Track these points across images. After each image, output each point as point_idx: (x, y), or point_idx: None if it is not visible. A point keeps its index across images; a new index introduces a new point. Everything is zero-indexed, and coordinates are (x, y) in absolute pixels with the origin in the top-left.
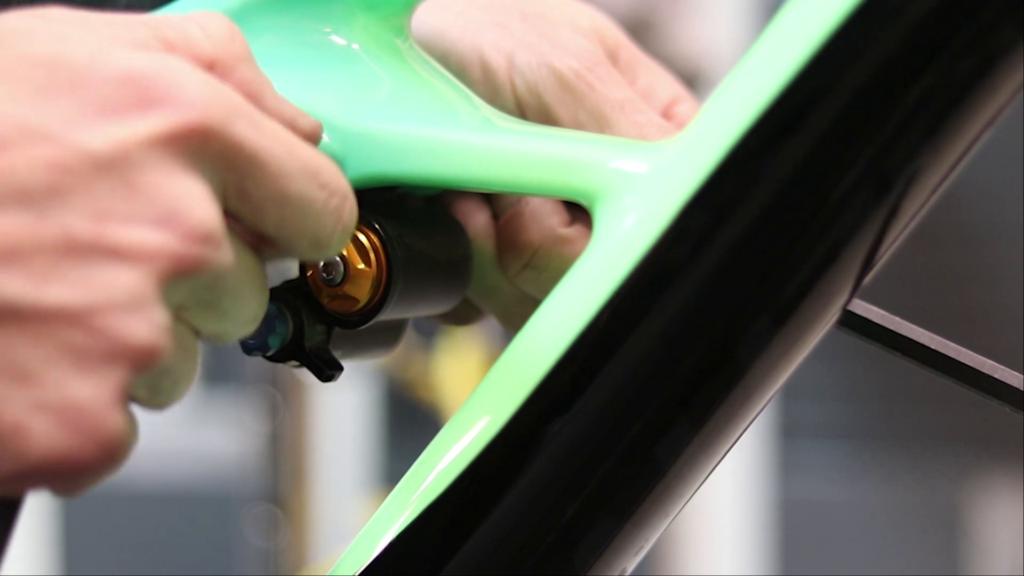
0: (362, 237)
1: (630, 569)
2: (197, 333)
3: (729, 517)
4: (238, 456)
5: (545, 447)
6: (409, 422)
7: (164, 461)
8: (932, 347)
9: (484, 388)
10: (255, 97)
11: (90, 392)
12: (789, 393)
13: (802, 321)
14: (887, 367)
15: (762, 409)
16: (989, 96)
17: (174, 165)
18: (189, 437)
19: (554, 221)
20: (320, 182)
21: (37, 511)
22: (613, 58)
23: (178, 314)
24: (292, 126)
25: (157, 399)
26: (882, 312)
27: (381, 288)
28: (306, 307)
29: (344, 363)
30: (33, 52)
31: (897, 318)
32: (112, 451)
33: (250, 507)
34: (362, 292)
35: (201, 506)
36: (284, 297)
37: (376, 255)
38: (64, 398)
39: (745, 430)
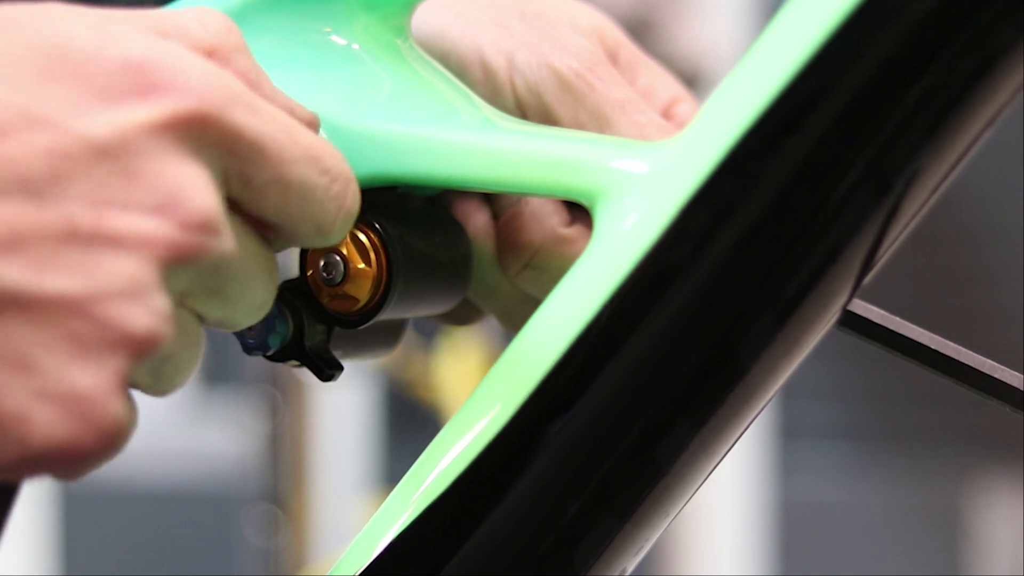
0: (362, 237)
1: (630, 569)
2: (202, 319)
3: (729, 517)
4: (238, 456)
5: (545, 447)
6: (409, 422)
7: (164, 461)
8: (932, 347)
9: (484, 388)
10: (253, 84)
11: (91, 380)
12: (789, 393)
13: (802, 321)
14: (887, 367)
15: (763, 409)
16: (989, 96)
17: (174, 152)
18: (189, 437)
19: (554, 221)
20: (322, 167)
21: (37, 511)
22: (613, 58)
23: (181, 300)
24: (291, 114)
25: (159, 385)
26: (882, 312)
27: (381, 288)
28: (306, 307)
29: (344, 363)
30: (33, 38)
31: (897, 318)
32: (112, 438)
33: (250, 507)
34: (362, 292)
35: (201, 506)
36: (284, 297)
37: (376, 255)
38: (65, 386)
39: (746, 430)
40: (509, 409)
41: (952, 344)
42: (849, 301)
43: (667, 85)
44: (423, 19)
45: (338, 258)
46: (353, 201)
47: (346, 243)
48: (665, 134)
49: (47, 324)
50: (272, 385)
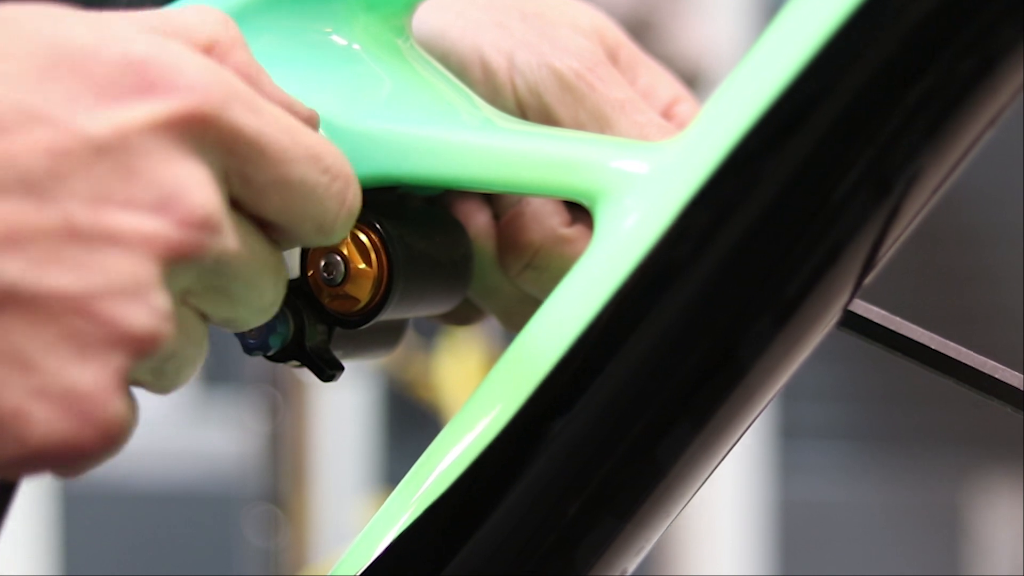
0: (363, 237)
1: (631, 569)
2: (206, 318)
3: (729, 518)
4: (238, 456)
5: (546, 447)
6: (409, 422)
7: (164, 461)
8: (933, 347)
9: (485, 388)
10: (252, 80)
11: (90, 378)
12: (789, 394)
13: (803, 321)
14: (887, 368)
15: (763, 409)
16: (990, 97)
17: (173, 150)
18: (189, 437)
19: (555, 221)
20: (322, 167)
21: (37, 511)
22: (613, 58)
23: (184, 299)
24: (290, 111)
25: (161, 383)
26: (883, 312)
27: (382, 288)
28: (307, 307)
29: (345, 363)
30: (33, 37)
31: (898, 318)
32: (112, 436)
33: (250, 507)
34: (363, 292)
35: (201, 506)
36: (285, 297)
37: (377, 255)
38: (64, 384)
39: (747, 430)
40: (510, 409)
41: (952, 344)
42: (850, 301)
43: (667, 85)
44: (423, 19)
45: (339, 258)
46: (354, 200)
47: (347, 243)
48: (665, 134)
49: (47, 322)
50: (272, 385)
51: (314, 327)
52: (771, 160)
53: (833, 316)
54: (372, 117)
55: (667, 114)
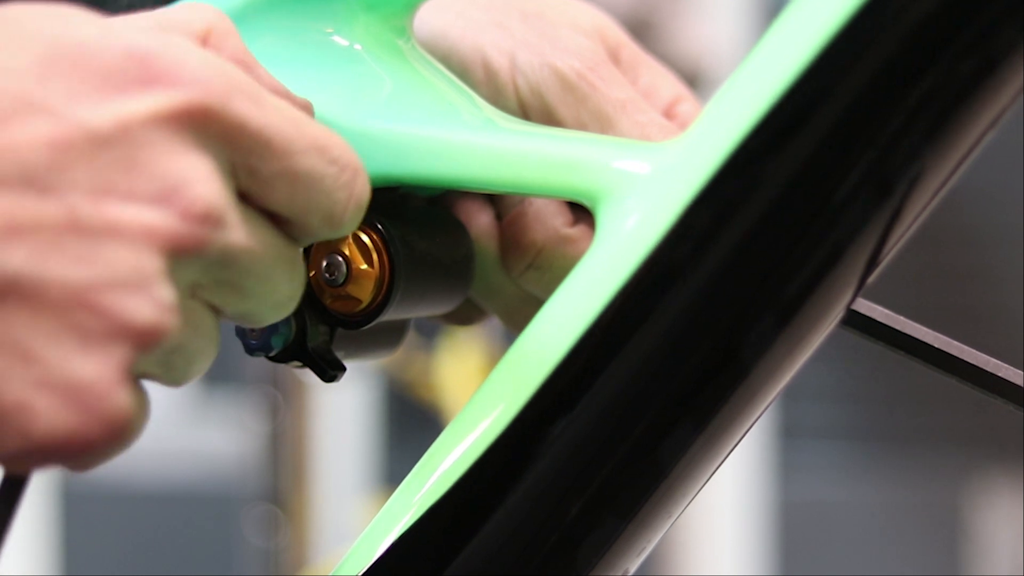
0: (364, 237)
1: (632, 569)
2: (218, 312)
3: (730, 518)
4: (238, 456)
5: (548, 448)
6: (410, 422)
7: (164, 461)
8: (936, 345)
9: (487, 389)
10: (249, 69)
11: (93, 370)
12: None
13: (806, 321)
14: (887, 368)
15: (765, 409)
16: (991, 98)
17: (176, 143)
18: (189, 437)
19: (558, 221)
20: (329, 157)
21: (37, 511)
22: (615, 57)
23: (193, 292)
24: (287, 100)
25: (171, 375)
26: (886, 311)
27: (384, 289)
28: (309, 307)
29: (346, 363)
30: (35, 34)
31: (901, 317)
32: (118, 429)
33: (250, 507)
34: (365, 293)
35: (201, 506)
36: None
37: (379, 255)
38: (67, 376)
39: (748, 430)
40: (512, 409)
41: (955, 342)
42: (853, 301)
43: (669, 84)
44: (424, 19)
45: (340, 259)
46: (363, 190)
47: (348, 244)
48: (667, 134)
49: (49, 313)
50: (272, 385)
51: (316, 328)
52: (773, 160)
53: (835, 316)
54: (374, 117)
55: (669, 114)
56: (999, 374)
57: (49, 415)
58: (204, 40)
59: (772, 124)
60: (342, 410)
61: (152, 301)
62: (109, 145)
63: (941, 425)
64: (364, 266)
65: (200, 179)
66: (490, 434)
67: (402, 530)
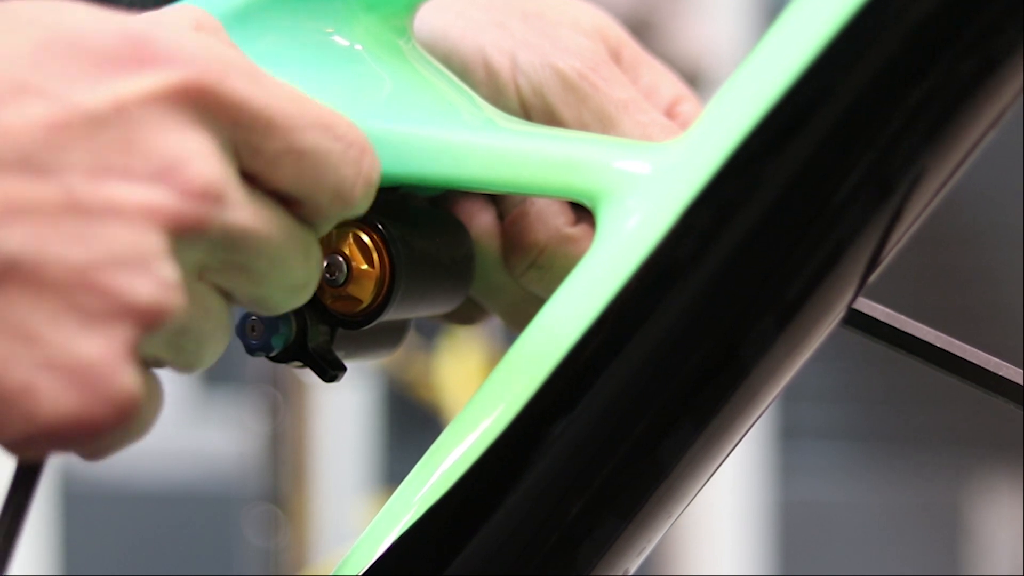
0: (365, 237)
1: (632, 569)
2: (229, 296)
3: (729, 518)
4: (238, 456)
5: (549, 447)
6: (410, 422)
7: (164, 461)
8: (937, 344)
9: (487, 388)
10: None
11: (96, 349)
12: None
13: (807, 320)
14: (887, 368)
15: (766, 409)
16: (992, 98)
17: (173, 121)
18: (189, 437)
19: (560, 221)
20: (335, 134)
21: (37, 511)
22: (616, 57)
23: (201, 274)
24: None
25: (182, 360)
26: (887, 310)
27: (384, 289)
28: (309, 307)
29: (347, 363)
30: (32, 21)
31: (902, 316)
32: (125, 410)
33: (250, 507)
34: (365, 293)
35: (201, 506)
36: None
37: (379, 255)
38: (70, 356)
39: (749, 430)
40: (512, 409)
41: (956, 341)
42: (854, 300)
43: (670, 84)
44: (425, 20)
45: (341, 259)
46: (371, 166)
47: (349, 244)
48: (668, 134)
49: (50, 294)
50: (273, 385)
51: (316, 328)
52: (774, 160)
53: (836, 316)
54: (374, 117)
55: (670, 113)
56: (1000, 373)
57: (53, 396)
58: (198, 27)
59: (773, 124)
60: (342, 410)
61: (154, 280)
62: (105, 125)
63: (941, 425)
64: (365, 266)
65: (198, 156)
66: (490, 434)
67: (402, 530)
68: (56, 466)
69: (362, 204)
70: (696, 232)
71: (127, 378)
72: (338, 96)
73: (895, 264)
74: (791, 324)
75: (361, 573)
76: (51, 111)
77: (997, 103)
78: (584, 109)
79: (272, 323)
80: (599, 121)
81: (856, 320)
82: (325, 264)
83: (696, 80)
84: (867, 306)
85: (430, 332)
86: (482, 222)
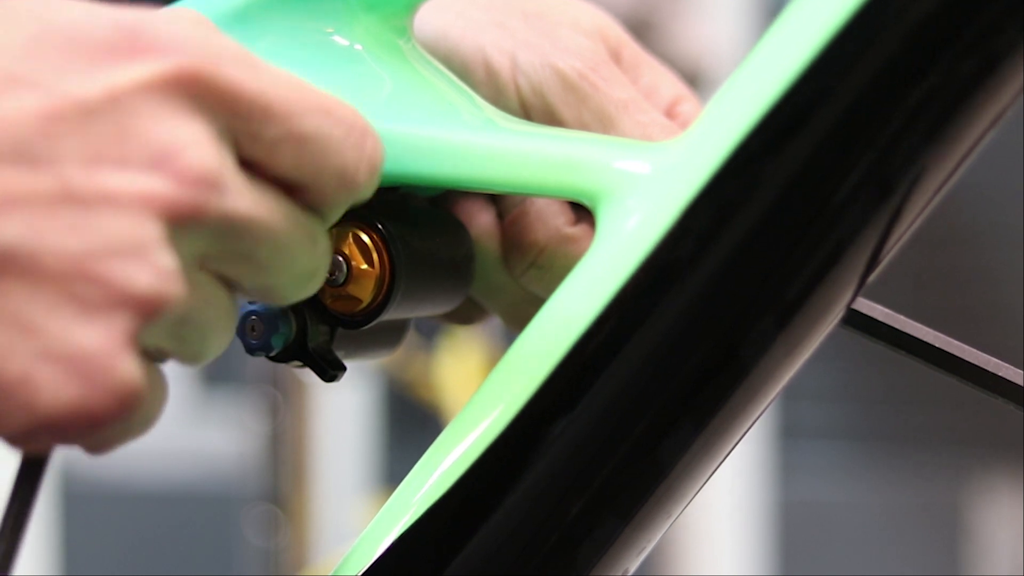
0: (364, 237)
1: (632, 569)
2: (233, 285)
3: (729, 518)
4: (238, 456)
5: (548, 447)
6: (410, 422)
7: (164, 461)
8: (936, 345)
9: (487, 388)
10: None
11: (95, 339)
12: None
13: (806, 320)
14: (887, 368)
15: (765, 409)
16: (992, 97)
17: (167, 109)
18: (189, 437)
19: (560, 221)
20: (335, 118)
21: (37, 511)
22: (616, 57)
23: (203, 264)
24: None
25: (186, 351)
26: (886, 310)
27: (384, 288)
28: (309, 307)
29: (347, 363)
30: (26, 12)
31: (901, 316)
32: (126, 400)
33: (250, 507)
34: (365, 292)
35: (201, 506)
36: None
37: (379, 255)
38: (69, 346)
39: (748, 430)
40: (512, 409)
41: (956, 342)
42: (853, 300)
43: (670, 84)
44: (425, 20)
45: (341, 259)
46: (375, 149)
47: (348, 244)
48: (668, 134)
49: (47, 285)
50: (272, 385)
51: (316, 327)
52: (773, 160)
53: (835, 316)
54: (374, 117)
55: (670, 113)
56: (999, 373)
57: (53, 387)
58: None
59: (773, 124)
60: (342, 410)
61: (151, 268)
62: (99, 115)
63: (941, 425)
64: (364, 266)
65: (194, 144)
66: (490, 434)
67: (402, 530)
68: (56, 466)
69: (367, 188)
70: (696, 232)
71: (127, 368)
72: (338, 96)
73: (895, 264)
74: (790, 324)
75: (360, 573)
76: (44, 102)
77: (997, 103)
78: (584, 109)
79: (272, 323)
80: (599, 121)
81: (855, 320)
82: None
83: (696, 80)
84: (866, 306)
85: (430, 332)
86: (482, 222)
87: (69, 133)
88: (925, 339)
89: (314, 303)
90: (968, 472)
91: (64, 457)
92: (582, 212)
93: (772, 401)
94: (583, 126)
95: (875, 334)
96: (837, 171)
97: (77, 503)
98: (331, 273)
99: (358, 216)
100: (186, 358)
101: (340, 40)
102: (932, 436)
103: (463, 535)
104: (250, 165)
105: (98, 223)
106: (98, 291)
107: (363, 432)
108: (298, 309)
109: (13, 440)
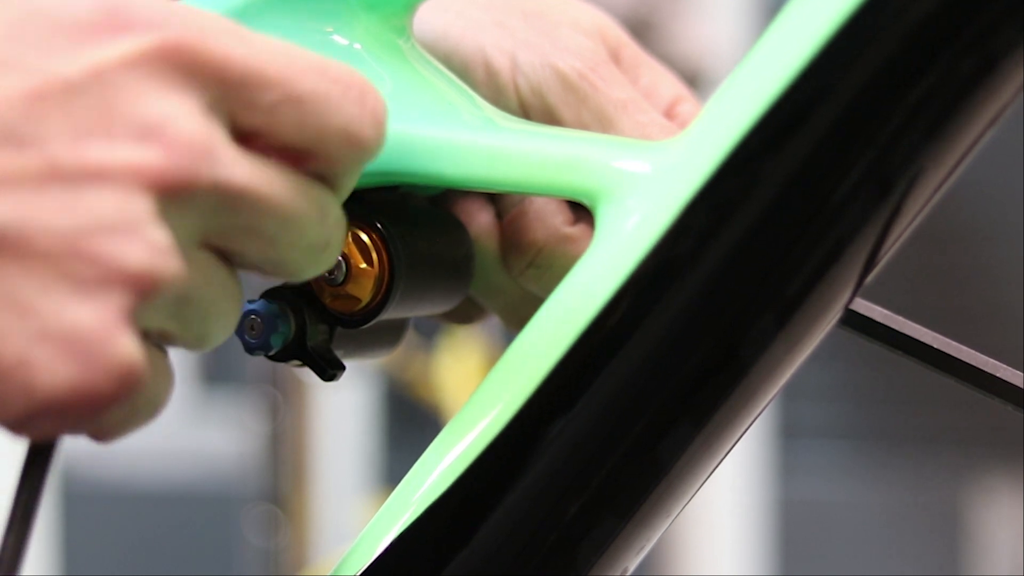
0: (364, 236)
1: (632, 568)
2: (238, 262)
3: (729, 517)
4: (238, 456)
5: (547, 446)
6: (409, 422)
7: (164, 461)
8: (934, 346)
9: (486, 387)
10: None
11: (91, 317)
12: (789, 393)
13: (804, 320)
14: (887, 367)
15: (764, 408)
16: (991, 97)
17: (153, 84)
18: (189, 437)
19: (558, 220)
20: (331, 77)
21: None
22: (615, 57)
23: (204, 240)
24: None
25: (189, 332)
26: (884, 311)
27: (383, 287)
28: (308, 306)
29: (346, 362)
30: (7, 3)
31: (899, 317)
32: (125, 379)
33: (250, 507)
34: (364, 292)
35: (201, 506)
36: (286, 296)
37: (378, 254)
38: (64, 325)
39: (747, 429)
40: (511, 408)
41: (954, 343)
42: (851, 300)
43: (669, 84)
44: (424, 19)
45: (340, 258)
46: (377, 103)
47: (348, 243)
48: (667, 134)
49: (39, 264)
50: (272, 385)
51: (315, 327)
52: (772, 159)
53: (834, 315)
54: None
55: (669, 113)
56: (998, 374)
57: (50, 368)
58: None
59: (772, 123)
60: (342, 410)
61: (144, 243)
62: (84, 92)
63: (941, 425)
64: (364, 265)
65: (182, 115)
66: (489, 433)
67: (401, 529)
68: (57, 466)
69: (374, 144)
70: (695, 231)
71: (125, 346)
72: None
73: (894, 264)
74: (789, 323)
75: (360, 572)
76: (28, 82)
77: (996, 102)
78: (584, 109)
79: (271, 322)
80: (598, 121)
81: (854, 321)
82: None
83: (696, 80)
84: (865, 307)
85: (430, 332)
86: (480, 222)
87: (54, 112)
88: (923, 340)
89: (313, 302)
90: (968, 472)
91: (65, 457)
92: (581, 212)
93: (771, 400)
94: (582, 126)
95: (873, 335)
96: (836, 170)
97: (77, 503)
98: (330, 272)
99: (357, 215)
100: (190, 341)
101: (340, 39)
102: (932, 436)
103: (462, 534)
104: (252, 137)
105: (87, 200)
106: (90, 268)
107: (363, 432)
108: (297, 308)
109: (15, 427)
